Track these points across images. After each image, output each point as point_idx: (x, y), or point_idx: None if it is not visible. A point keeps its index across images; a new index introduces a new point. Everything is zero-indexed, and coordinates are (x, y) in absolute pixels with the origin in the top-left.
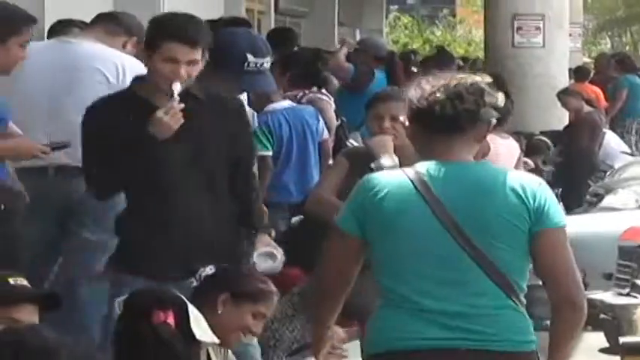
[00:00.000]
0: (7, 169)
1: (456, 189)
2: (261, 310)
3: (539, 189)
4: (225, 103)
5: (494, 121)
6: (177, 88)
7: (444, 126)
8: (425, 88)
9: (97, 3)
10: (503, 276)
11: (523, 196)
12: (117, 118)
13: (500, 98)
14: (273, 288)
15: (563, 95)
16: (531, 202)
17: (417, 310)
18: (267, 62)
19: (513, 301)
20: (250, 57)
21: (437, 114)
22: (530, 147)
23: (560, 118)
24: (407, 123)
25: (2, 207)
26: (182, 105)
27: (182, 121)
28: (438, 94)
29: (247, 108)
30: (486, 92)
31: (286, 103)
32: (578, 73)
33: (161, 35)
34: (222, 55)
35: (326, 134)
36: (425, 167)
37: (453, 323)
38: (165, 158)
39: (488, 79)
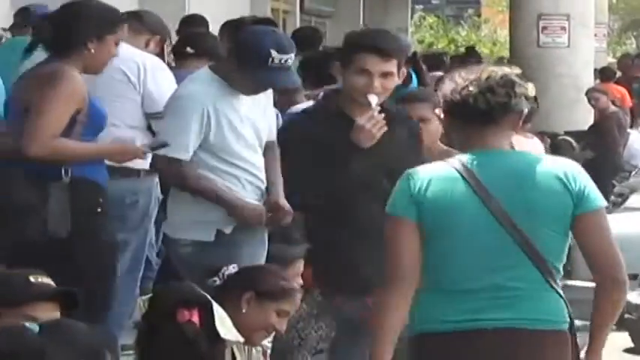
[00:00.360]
0: (106, 173)
1: (500, 176)
2: (285, 307)
3: (579, 173)
4: (410, 124)
5: (526, 110)
6: (374, 100)
7: (477, 118)
8: (458, 81)
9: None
10: (545, 261)
11: (565, 180)
12: (317, 130)
13: (531, 88)
14: (296, 286)
15: (594, 92)
16: (573, 186)
17: (463, 292)
18: (290, 59)
19: (551, 284)
20: (274, 53)
21: (470, 107)
22: (555, 147)
23: (585, 118)
24: (442, 115)
25: (99, 210)
26: (382, 115)
27: (385, 129)
28: (470, 88)
29: (272, 108)
30: (517, 83)
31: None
32: (603, 74)
33: (354, 48)
34: (247, 52)
35: None
36: (468, 157)
37: (496, 303)
38: (359, 167)
39: (518, 70)
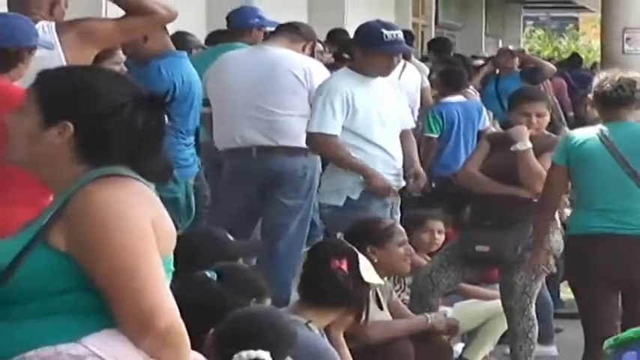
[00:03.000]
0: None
1: (626, 139)
2: (399, 239)
3: None
4: None
5: None
6: None
7: (612, 104)
8: (600, 78)
9: (293, 12)
10: None
11: None
12: None
13: None
14: (392, 221)
15: None
16: None
17: (598, 210)
18: (399, 33)
19: None
20: (385, 30)
21: (607, 97)
22: None
23: None
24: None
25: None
26: None
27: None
28: (607, 85)
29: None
30: (637, 83)
31: (460, 98)
32: None
33: None
34: (366, 37)
35: (487, 124)
36: (605, 126)
37: (617, 218)
38: None
39: (638, 74)
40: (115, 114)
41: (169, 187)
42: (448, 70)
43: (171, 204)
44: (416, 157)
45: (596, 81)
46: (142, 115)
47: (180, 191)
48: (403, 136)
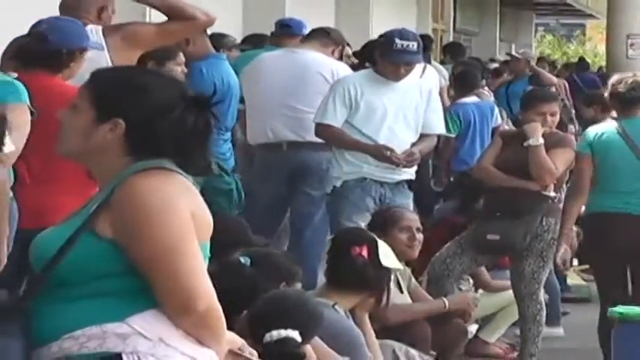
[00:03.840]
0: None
1: (638, 132)
2: (403, 224)
3: None
4: None
5: None
6: None
7: (626, 103)
8: (614, 80)
9: (321, 18)
10: None
11: None
12: None
13: None
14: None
15: None
16: None
17: (615, 192)
18: (412, 45)
19: None
20: (397, 40)
21: (621, 97)
22: None
23: None
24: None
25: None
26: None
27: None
28: (621, 87)
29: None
30: None
31: (474, 98)
32: None
33: None
34: (381, 46)
35: (499, 121)
36: (623, 121)
37: (631, 200)
38: None
39: None
40: (165, 114)
41: (225, 179)
42: (462, 73)
43: (225, 194)
44: (421, 148)
45: (610, 83)
46: (190, 115)
47: (233, 183)
48: (423, 137)
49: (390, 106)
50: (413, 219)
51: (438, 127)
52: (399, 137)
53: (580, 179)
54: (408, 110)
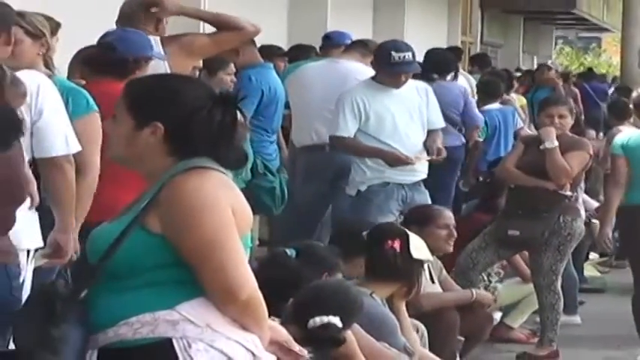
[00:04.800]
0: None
1: None
2: (442, 222)
3: None
4: None
5: None
6: None
7: None
8: (635, 92)
9: (359, 30)
10: None
11: None
12: None
13: None
14: (437, 207)
15: None
16: None
17: None
18: (407, 56)
19: None
20: (393, 52)
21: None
22: None
23: None
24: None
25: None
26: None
27: None
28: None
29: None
30: None
31: (497, 105)
32: None
33: None
34: (377, 59)
35: (520, 124)
36: None
37: None
38: None
39: None
40: (196, 114)
41: (268, 178)
42: (486, 82)
43: (269, 192)
44: (440, 143)
45: (635, 94)
46: (218, 112)
47: (276, 181)
48: (431, 134)
49: (397, 111)
50: (450, 217)
51: (440, 122)
52: (413, 138)
53: (617, 175)
54: (414, 111)
